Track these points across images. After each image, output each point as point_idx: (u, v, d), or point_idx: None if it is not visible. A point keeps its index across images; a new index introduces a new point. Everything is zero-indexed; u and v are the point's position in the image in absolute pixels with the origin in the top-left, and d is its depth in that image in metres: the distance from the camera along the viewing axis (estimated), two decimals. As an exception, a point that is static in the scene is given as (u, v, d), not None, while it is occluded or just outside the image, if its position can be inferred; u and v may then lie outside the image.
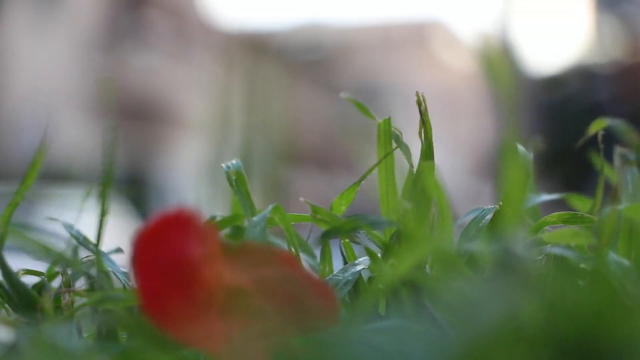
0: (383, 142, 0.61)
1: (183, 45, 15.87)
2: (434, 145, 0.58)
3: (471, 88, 19.29)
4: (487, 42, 0.48)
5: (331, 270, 0.60)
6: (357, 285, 0.56)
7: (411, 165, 0.59)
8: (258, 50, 16.05)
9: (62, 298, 0.56)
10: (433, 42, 21.88)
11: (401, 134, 0.61)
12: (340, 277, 0.56)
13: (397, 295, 0.53)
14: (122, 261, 0.56)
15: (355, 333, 0.47)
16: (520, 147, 0.55)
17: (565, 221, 0.58)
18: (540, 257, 0.54)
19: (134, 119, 13.84)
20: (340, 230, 0.56)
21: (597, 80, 11.10)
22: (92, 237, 0.60)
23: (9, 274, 0.57)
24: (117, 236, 0.60)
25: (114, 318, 0.53)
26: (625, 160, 0.60)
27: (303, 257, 0.62)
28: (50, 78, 13.62)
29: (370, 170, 0.61)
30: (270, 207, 0.58)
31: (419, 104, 0.58)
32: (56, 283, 0.60)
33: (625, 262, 0.51)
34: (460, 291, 0.46)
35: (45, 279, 0.59)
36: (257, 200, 0.60)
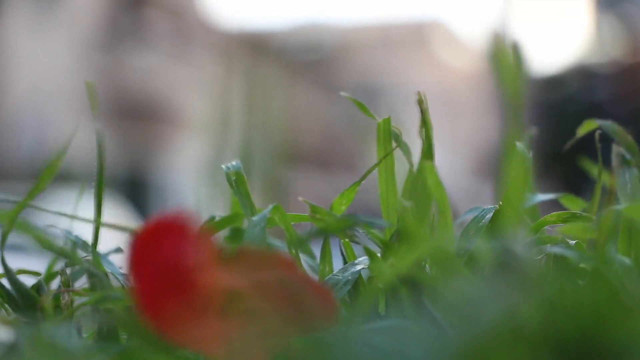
0: (383, 141, 0.61)
1: (183, 45, 15.87)
2: (434, 144, 0.58)
3: (471, 88, 19.29)
4: (496, 42, 0.48)
5: (331, 270, 0.60)
6: (356, 284, 0.56)
7: (411, 165, 0.59)
8: (258, 50, 16.05)
9: (61, 298, 0.56)
10: (433, 42, 21.88)
11: (401, 134, 0.61)
12: (340, 277, 0.56)
13: (397, 294, 0.53)
14: (122, 261, 0.56)
15: (354, 333, 0.47)
16: (521, 147, 0.55)
17: (565, 221, 0.58)
18: (539, 257, 0.54)
19: (134, 119, 13.85)
20: (331, 228, 0.56)
21: (597, 80, 11.10)
22: (91, 236, 0.60)
23: (9, 274, 0.57)
24: (117, 236, 0.60)
25: (114, 318, 0.53)
26: (622, 159, 0.60)
27: (303, 257, 0.62)
28: (50, 78, 13.62)
29: (370, 170, 0.61)
30: (270, 207, 0.58)
31: (419, 103, 0.58)
32: (55, 284, 0.60)
33: (625, 261, 0.51)
34: (459, 291, 0.46)
35: (42, 279, 0.59)
36: (256, 200, 0.60)
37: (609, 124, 0.63)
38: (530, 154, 0.59)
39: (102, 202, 0.59)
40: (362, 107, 0.62)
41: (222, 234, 0.63)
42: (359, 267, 0.56)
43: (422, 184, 0.56)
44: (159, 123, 14.96)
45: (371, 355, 0.42)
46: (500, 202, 0.55)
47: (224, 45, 15.77)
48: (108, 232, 0.60)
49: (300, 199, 0.60)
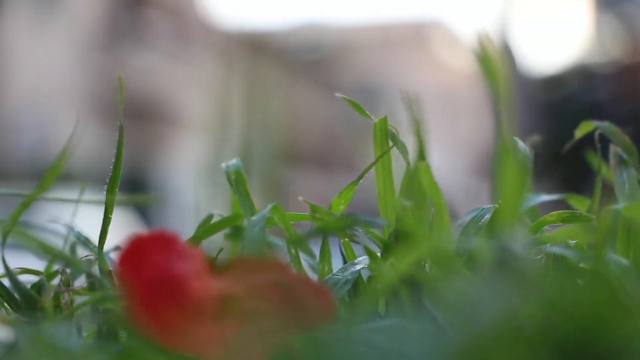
0: (380, 141, 0.61)
1: (183, 45, 15.87)
2: (433, 144, 0.58)
3: (471, 88, 19.28)
4: (484, 42, 0.48)
5: (330, 270, 0.60)
6: (356, 284, 0.56)
7: (408, 164, 0.59)
8: (258, 50, 16.05)
9: (61, 297, 0.56)
10: (433, 42, 21.88)
11: (398, 133, 0.61)
12: (340, 277, 0.56)
13: (397, 294, 0.53)
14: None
15: (354, 332, 0.47)
16: (518, 146, 0.55)
17: (564, 220, 0.58)
18: (539, 257, 0.54)
19: (134, 119, 13.83)
20: (331, 228, 0.56)
21: (597, 80, 11.09)
22: (91, 236, 0.60)
23: (9, 273, 0.57)
24: (117, 236, 0.60)
25: (114, 317, 0.53)
26: (619, 159, 0.60)
27: (302, 256, 0.62)
28: (50, 78, 13.62)
29: (367, 169, 0.61)
30: (269, 206, 0.58)
31: (408, 101, 0.57)
32: (55, 283, 0.60)
33: (624, 261, 0.51)
34: (459, 290, 0.46)
35: (44, 278, 0.59)
36: (256, 199, 0.60)
37: (606, 125, 0.63)
38: (530, 154, 0.59)
39: (114, 198, 0.58)
40: (357, 107, 0.62)
41: (222, 234, 0.63)
42: (358, 267, 0.56)
43: (418, 183, 0.56)
44: (159, 123, 14.96)
45: (371, 355, 0.43)
46: (499, 202, 0.55)
47: (224, 45, 15.77)
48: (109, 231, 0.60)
49: (300, 198, 0.60)
